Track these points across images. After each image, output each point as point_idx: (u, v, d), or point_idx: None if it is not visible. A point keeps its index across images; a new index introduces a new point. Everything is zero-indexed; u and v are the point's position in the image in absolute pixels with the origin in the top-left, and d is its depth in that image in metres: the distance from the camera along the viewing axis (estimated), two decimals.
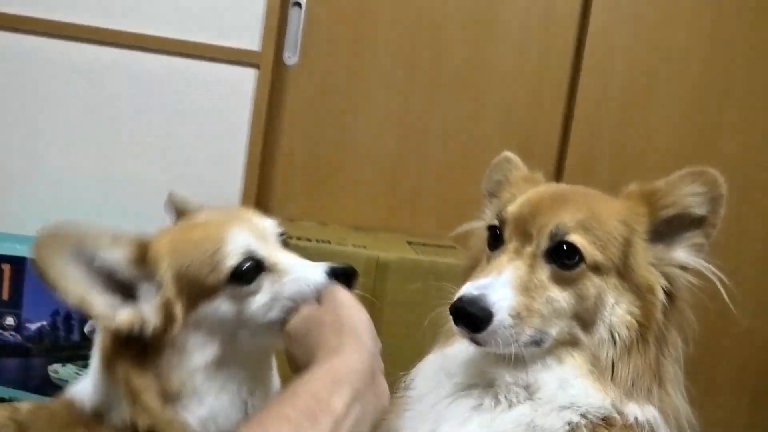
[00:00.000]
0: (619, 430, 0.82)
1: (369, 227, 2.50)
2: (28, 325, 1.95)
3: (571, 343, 0.87)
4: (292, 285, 0.86)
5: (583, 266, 0.86)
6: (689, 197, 0.88)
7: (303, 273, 0.86)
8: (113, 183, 2.31)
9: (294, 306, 0.86)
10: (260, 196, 2.43)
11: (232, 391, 0.88)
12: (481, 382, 0.88)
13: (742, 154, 2.58)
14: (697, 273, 0.89)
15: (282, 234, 0.95)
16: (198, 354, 0.86)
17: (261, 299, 0.86)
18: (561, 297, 0.86)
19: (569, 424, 0.82)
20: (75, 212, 2.28)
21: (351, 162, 2.52)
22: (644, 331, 0.86)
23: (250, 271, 0.85)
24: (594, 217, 0.88)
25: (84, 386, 0.91)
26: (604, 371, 0.85)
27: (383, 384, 0.79)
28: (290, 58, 2.41)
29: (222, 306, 0.85)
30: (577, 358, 0.86)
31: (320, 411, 0.67)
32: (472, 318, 0.82)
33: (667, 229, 0.90)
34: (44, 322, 1.97)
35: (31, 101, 2.27)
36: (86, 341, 1.95)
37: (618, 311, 0.87)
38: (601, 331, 0.86)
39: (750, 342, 2.67)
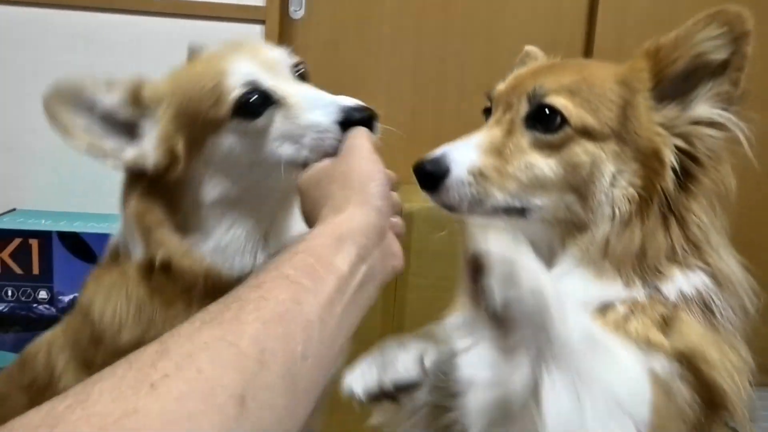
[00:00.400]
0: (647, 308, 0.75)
1: None
2: (61, 297, 1.99)
3: (573, 222, 0.80)
4: (306, 129, 0.80)
5: (567, 130, 0.79)
6: (702, 43, 0.76)
7: (318, 121, 0.80)
8: None
9: (311, 155, 0.81)
10: None
11: (242, 231, 0.87)
12: None
13: None
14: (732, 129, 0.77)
15: (297, 65, 0.89)
16: (208, 190, 0.85)
17: (272, 135, 0.82)
18: (544, 164, 0.80)
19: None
20: (92, 186, 2.29)
21: None
22: (644, 203, 0.78)
23: (257, 104, 0.81)
24: (584, 81, 0.80)
25: (115, 230, 0.97)
26: (602, 253, 0.78)
27: (394, 244, 0.74)
28: (296, 11, 2.35)
29: (227, 141, 0.83)
30: (579, 243, 0.80)
31: (323, 269, 0.61)
32: (429, 174, 0.80)
33: (682, 85, 0.79)
34: (77, 294, 2.00)
35: (42, 75, 2.26)
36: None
37: (620, 182, 0.79)
38: (602, 206, 0.79)
39: None
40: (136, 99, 0.87)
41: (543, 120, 0.80)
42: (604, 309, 0.77)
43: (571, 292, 0.77)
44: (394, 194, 0.78)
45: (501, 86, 0.88)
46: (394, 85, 2.46)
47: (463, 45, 2.46)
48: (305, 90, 0.84)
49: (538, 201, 0.80)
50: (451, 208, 0.82)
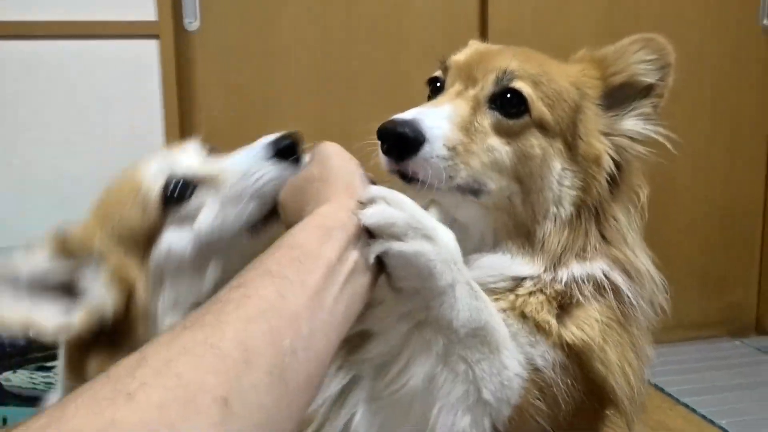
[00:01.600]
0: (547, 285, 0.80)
1: None
2: None
3: (508, 212, 0.82)
4: (239, 184, 0.79)
5: (527, 118, 0.80)
6: (638, 64, 0.83)
7: (246, 168, 0.79)
8: (33, 181, 2.23)
9: (257, 203, 0.79)
10: None
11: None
12: None
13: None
14: (648, 143, 0.85)
15: (210, 147, 0.89)
16: (171, 310, 0.80)
17: (210, 211, 0.79)
18: (502, 149, 0.80)
19: (489, 277, 0.79)
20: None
21: (276, 119, 2.47)
22: (583, 204, 0.82)
23: (182, 189, 0.80)
24: (545, 74, 0.82)
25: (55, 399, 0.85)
26: (538, 246, 0.81)
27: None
28: (191, 23, 2.33)
29: (173, 238, 0.80)
30: (512, 236, 0.82)
31: (308, 260, 0.58)
32: (403, 139, 0.74)
33: (618, 97, 0.85)
34: None
35: None
36: (32, 344, 1.90)
37: (566, 182, 0.82)
38: (547, 203, 0.82)
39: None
40: (65, 250, 0.80)
41: (507, 103, 0.80)
42: (515, 284, 0.80)
43: (493, 264, 0.81)
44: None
45: (460, 57, 0.86)
46: (300, 92, 2.46)
47: (367, 47, 2.48)
48: (223, 157, 0.84)
49: (492, 185, 0.80)
50: (412, 180, 0.77)
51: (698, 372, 2.55)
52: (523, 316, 0.78)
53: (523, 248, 0.82)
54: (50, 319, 0.76)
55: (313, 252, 0.59)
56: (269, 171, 0.80)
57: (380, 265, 0.67)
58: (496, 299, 0.79)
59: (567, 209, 0.82)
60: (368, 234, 0.66)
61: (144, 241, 0.80)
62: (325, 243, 0.61)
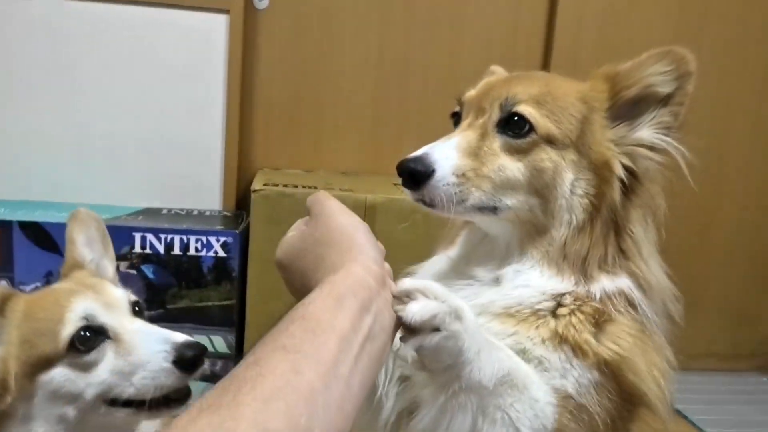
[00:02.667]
0: (585, 303, 0.84)
1: (355, 171, 2.51)
2: (22, 287, 1.97)
3: (533, 224, 0.89)
4: (139, 375, 0.82)
5: (534, 136, 0.86)
6: (653, 76, 0.86)
7: (146, 357, 0.82)
8: (90, 141, 2.29)
9: (137, 392, 0.82)
10: (242, 146, 2.42)
11: None
12: (469, 275, 0.91)
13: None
14: (667, 153, 0.88)
15: (136, 303, 0.92)
16: (36, 426, 0.84)
17: (102, 372, 0.83)
18: (514, 167, 0.87)
19: (530, 296, 0.85)
20: (54, 173, 2.27)
21: (332, 106, 2.50)
22: (596, 211, 0.87)
23: (89, 339, 0.83)
24: (549, 93, 0.88)
25: None
26: (559, 253, 0.87)
27: (394, 288, 0.72)
28: (261, 2, 2.35)
29: (59, 377, 0.83)
30: (537, 243, 0.88)
31: (322, 332, 0.58)
32: (414, 173, 0.83)
33: (632, 109, 0.89)
34: (38, 284, 1.99)
35: (4, 64, 2.22)
36: None
37: (578, 190, 0.88)
38: (562, 211, 0.88)
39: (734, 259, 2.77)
40: (1, 310, 0.86)
41: (513, 126, 0.87)
42: (557, 302, 0.85)
43: (530, 281, 0.86)
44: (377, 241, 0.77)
45: (471, 92, 0.94)
46: (358, 75, 2.49)
47: (426, 36, 2.49)
48: (139, 326, 0.86)
49: (508, 201, 0.87)
50: (431, 205, 0.85)
51: (724, 404, 2.53)
52: (562, 341, 0.82)
53: (548, 255, 0.87)
54: None
55: (327, 323, 0.59)
56: (161, 375, 0.82)
57: (396, 324, 0.69)
58: (537, 328, 0.83)
59: (579, 216, 0.88)
60: (401, 325, 0.69)
61: (36, 359, 0.84)
62: (338, 313, 0.60)
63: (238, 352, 2.13)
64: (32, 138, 2.25)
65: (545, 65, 2.54)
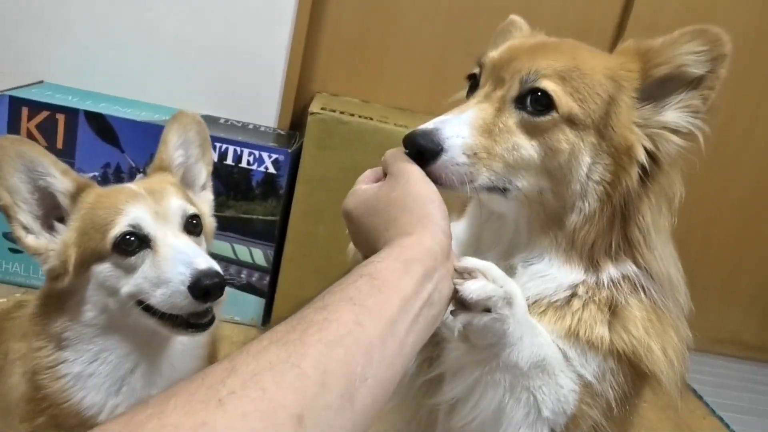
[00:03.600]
0: (596, 292, 0.86)
1: (411, 108, 2.50)
2: (81, 174, 2.05)
3: (543, 208, 0.85)
4: (161, 291, 0.87)
5: (554, 115, 0.82)
6: (686, 56, 0.81)
7: (169, 276, 0.87)
8: (158, 41, 2.32)
9: (158, 304, 0.87)
10: (304, 67, 2.43)
11: (108, 361, 0.92)
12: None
13: None
14: (691, 137, 0.84)
15: (193, 218, 0.96)
16: (84, 310, 0.92)
17: (138, 277, 0.89)
18: (528, 145, 0.83)
19: (547, 288, 0.86)
20: (121, 69, 2.32)
21: (397, 42, 2.48)
22: (609, 198, 0.84)
23: (132, 244, 0.89)
24: (576, 69, 0.83)
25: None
26: (569, 241, 0.85)
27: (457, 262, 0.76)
28: None
29: (106, 271, 0.90)
30: (546, 229, 0.86)
31: (387, 291, 0.62)
32: (422, 150, 0.79)
33: (661, 89, 0.84)
34: (96, 173, 2.07)
35: None
36: None
37: (594, 176, 0.84)
38: (575, 197, 0.85)
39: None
40: (76, 197, 0.94)
41: (532, 102, 0.83)
42: (572, 293, 0.86)
43: (543, 271, 0.87)
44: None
45: (494, 55, 0.88)
46: (427, 14, 2.44)
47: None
48: (178, 243, 0.90)
49: (519, 183, 0.84)
50: (438, 182, 0.81)
51: (741, 391, 2.54)
52: (576, 339, 0.84)
53: (556, 243, 0.86)
54: (22, 220, 0.91)
55: (392, 284, 0.63)
56: (177, 296, 0.86)
57: (452, 295, 0.73)
58: (555, 323, 0.85)
59: (592, 204, 0.85)
60: (456, 297, 0.73)
61: (90, 250, 0.91)
62: (404, 276, 0.64)
63: (275, 267, 2.20)
64: (102, 31, 2.29)
65: (622, 23, 2.45)
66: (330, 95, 2.46)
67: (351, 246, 0.87)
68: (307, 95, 2.44)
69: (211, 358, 1.05)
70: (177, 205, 0.94)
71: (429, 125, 0.81)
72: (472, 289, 0.72)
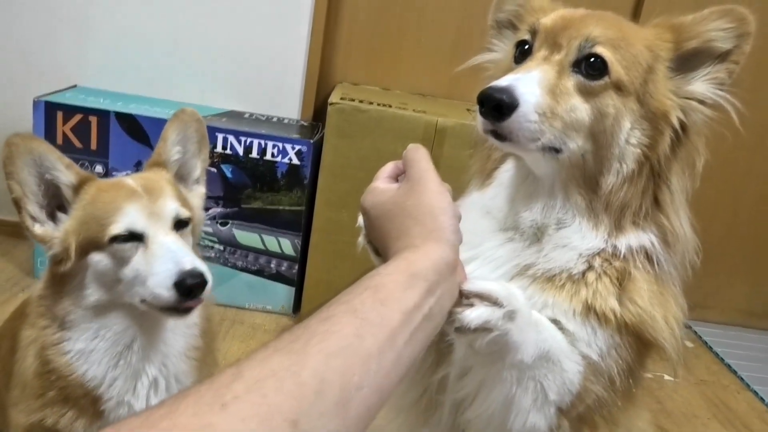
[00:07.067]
0: (610, 263, 0.90)
1: (431, 93, 2.53)
2: (115, 173, 2.15)
3: (581, 167, 0.90)
4: (149, 283, 0.94)
5: (606, 80, 0.87)
6: (715, 32, 0.87)
7: (156, 271, 0.94)
8: (183, 43, 2.40)
9: (145, 298, 0.95)
10: (324, 58, 2.47)
11: (107, 338, 1.00)
12: (511, 225, 0.95)
13: None
14: (717, 108, 0.90)
15: (180, 221, 1.01)
16: (85, 294, 0.99)
17: (129, 270, 0.96)
18: (583, 108, 0.87)
19: (568, 260, 0.90)
20: (150, 69, 2.40)
21: (415, 28, 2.50)
22: (646, 162, 0.90)
23: (127, 239, 0.96)
24: (623, 38, 0.88)
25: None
26: (600, 203, 0.90)
27: (462, 273, 0.78)
28: None
29: (103, 260, 0.98)
30: (582, 190, 0.91)
31: (390, 305, 0.65)
32: (499, 104, 0.82)
33: (690, 62, 0.90)
34: (129, 171, 2.16)
35: None
36: None
37: (632, 140, 0.89)
38: (613, 159, 0.89)
39: None
40: (78, 189, 1.01)
41: (588, 67, 0.87)
42: (589, 264, 0.90)
43: (570, 243, 0.91)
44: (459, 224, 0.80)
45: (546, 22, 0.92)
46: (445, 1, 2.47)
47: None
48: (168, 241, 0.97)
49: (571, 144, 0.88)
50: (505, 138, 0.85)
51: None
52: (590, 312, 0.88)
53: (590, 205, 0.91)
54: (30, 211, 0.99)
55: (395, 297, 0.65)
56: (161, 290, 0.94)
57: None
58: (571, 299, 0.89)
59: (630, 165, 0.90)
60: (456, 329, 0.76)
61: (89, 240, 0.98)
62: (408, 290, 0.67)
63: (303, 255, 2.27)
64: (130, 35, 2.38)
65: (638, 3, 2.43)
66: (351, 84, 2.50)
67: (361, 239, 0.91)
68: (329, 86, 2.49)
69: (206, 334, 1.12)
70: (171, 207, 1.01)
71: (503, 82, 0.84)
72: (470, 318, 0.76)
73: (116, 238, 0.96)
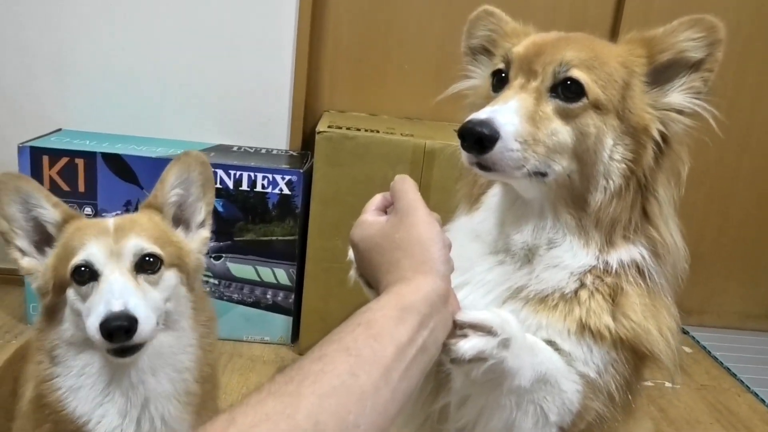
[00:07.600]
0: (602, 280, 0.91)
1: (418, 116, 2.54)
2: (104, 214, 2.13)
3: (570, 190, 0.91)
4: (87, 322, 0.94)
5: (585, 101, 0.88)
6: (685, 42, 0.89)
7: (91, 312, 0.93)
8: (168, 80, 2.40)
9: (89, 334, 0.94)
10: (310, 88, 2.49)
11: (91, 375, 1.00)
12: (502, 247, 0.96)
13: None
14: (696, 116, 0.91)
15: (147, 257, 1.00)
16: (64, 327, 1.00)
17: (85, 307, 0.96)
18: (564, 130, 0.88)
19: (560, 280, 0.90)
20: (136, 108, 2.40)
21: (398, 53, 2.53)
22: (632, 176, 0.91)
23: (84, 275, 0.97)
24: (596, 58, 0.89)
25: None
26: (590, 221, 0.91)
27: (455, 303, 0.77)
28: None
29: (72, 295, 0.99)
30: (571, 210, 0.92)
31: (383, 341, 0.64)
32: (480, 138, 0.83)
33: (665, 73, 0.92)
34: (118, 212, 2.15)
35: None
36: None
37: (616, 155, 0.90)
38: (599, 176, 0.90)
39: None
40: (62, 226, 1.04)
41: (565, 90, 0.89)
42: (581, 281, 0.91)
43: (562, 262, 0.91)
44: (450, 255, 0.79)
45: (519, 50, 0.93)
46: (425, 22, 2.49)
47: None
48: (115, 281, 0.95)
49: (556, 166, 0.89)
50: (489, 169, 0.86)
51: None
52: (585, 330, 0.89)
53: (580, 223, 0.91)
54: (18, 245, 1.02)
55: (388, 332, 0.65)
56: (91, 330, 0.92)
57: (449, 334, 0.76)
58: (565, 319, 0.90)
59: (616, 181, 0.91)
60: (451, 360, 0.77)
61: (61, 277, 1.00)
62: (400, 324, 0.66)
63: (298, 285, 2.26)
64: (112, 74, 2.39)
65: (616, 21, 2.47)
66: (337, 112, 2.52)
67: (352, 272, 0.92)
68: (316, 114, 2.50)
69: (207, 379, 1.10)
70: (133, 244, 0.99)
71: (482, 114, 0.85)
72: (464, 349, 0.76)
73: (74, 274, 0.97)
